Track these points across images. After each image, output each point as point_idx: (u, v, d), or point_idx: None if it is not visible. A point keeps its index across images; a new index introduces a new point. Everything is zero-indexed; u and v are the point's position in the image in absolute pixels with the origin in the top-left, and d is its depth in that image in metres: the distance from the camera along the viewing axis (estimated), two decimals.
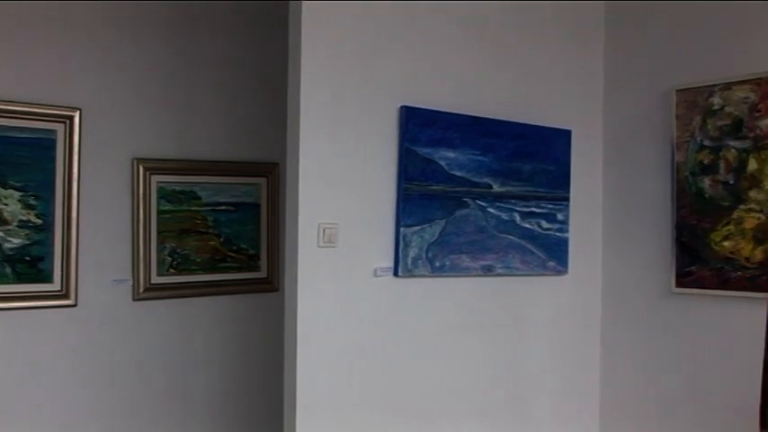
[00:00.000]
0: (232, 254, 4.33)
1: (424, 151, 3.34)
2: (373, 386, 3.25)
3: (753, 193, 3.45)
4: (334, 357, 3.14)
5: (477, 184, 3.50)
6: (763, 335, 2.54)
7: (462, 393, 3.54)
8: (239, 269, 4.37)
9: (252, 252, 4.41)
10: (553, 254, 3.79)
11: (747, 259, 3.46)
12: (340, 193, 3.16)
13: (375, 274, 3.25)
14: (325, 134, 3.12)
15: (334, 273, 3.14)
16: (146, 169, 4.02)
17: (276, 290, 4.39)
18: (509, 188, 3.62)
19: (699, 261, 3.63)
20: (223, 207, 4.30)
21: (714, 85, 3.58)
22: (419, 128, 3.32)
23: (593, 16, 4.06)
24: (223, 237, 4.30)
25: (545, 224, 3.75)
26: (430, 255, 3.35)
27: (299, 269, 3.06)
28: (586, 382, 4.01)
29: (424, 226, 3.34)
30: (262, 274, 4.45)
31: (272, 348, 4.10)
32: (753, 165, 3.46)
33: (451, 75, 3.50)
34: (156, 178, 4.06)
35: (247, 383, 4.36)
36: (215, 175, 4.25)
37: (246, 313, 4.38)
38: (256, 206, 4.43)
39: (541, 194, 3.74)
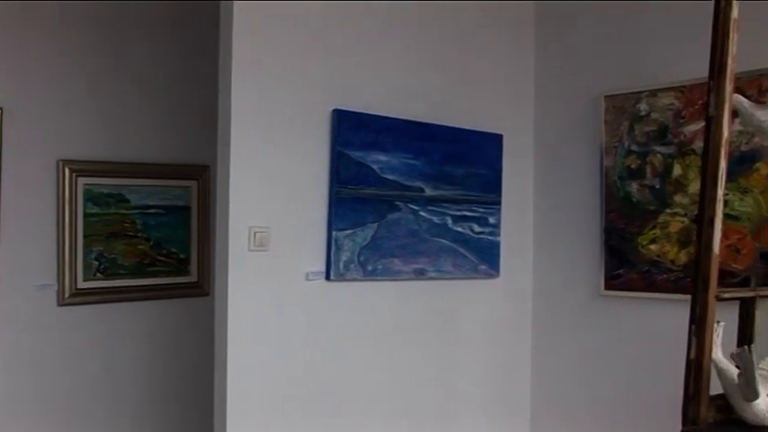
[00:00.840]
0: (161, 258, 4.30)
1: (356, 155, 3.38)
2: (305, 390, 3.28)
3: (677, 198, 3.59)
4: (264, 362, 3.16)
5: (409, 188, 3.57)
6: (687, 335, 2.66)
7: (394, 397, 3.60)
8: (169, 273, 4.34)
9: (182, 256, 4.39)
10: (485, 257, 3.88)
11: (672, 262, 3.60)
12: (271, 196, 3.18)
13: (307, 278, 3.28)
14: (256, 136, 3.14)
15: (266, 277, 3.16)
16: (72, 171, 3.97)
17: (207, 294, 4.37)
18: (441, 192, 3.69)
19: (627, 264, 3.75)
20: (152, 210, 4.27)
21: (641, 92, 3.72)
22: (351, 131, 3.37)
23: (524, 22, 4.16)
24: (152, 240, 4.27)
25: (477, 228, 3.83)
26: (362, 258, 3.40)
27: (230, 273, 3.07)
28: (518, 384, 4.11)
29: (357, 230, 3.38)
30: (192, 278, 4.43)
31: (203, 354, 4.08)
32: (677, 170, 3.60)
33: (385, 78, 3.56)
34: (82, 180, 4.01)
35: (177, 390, 4.34)
36: (144, 178, 4.22)
37: (176, 318, 4.35)
38: (187, 209, 4.41)
39: (473, 198, 3.82)
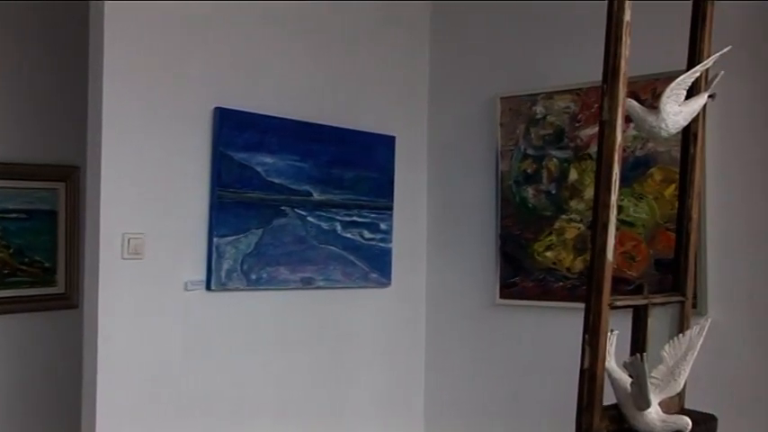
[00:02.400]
0: (24, 267, 4.15)
1: (239, 156, 3.35)
2: (182, 407, 3.23)
3: (573, 203, 3.71)
4: (139, 378, 3.09)
5: (296, 192, 3.56)
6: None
7: (281, 410, 3.58)
8: (32, 284, 4.19)
9: (47, 265, 4.24)
10: (376, 265, 3.91)
11: (568, 269, 3.71)
12: (147, 200, 3.12)
13: (186, 288, 3.23)
14: (130, 136, 3.07)
15: (140, 287, 3.10)
16: None
17: (75, 306, 4.23)
18: (330, 196, 3.70)
19: (522, 271, 3.85)
20: (13, 214, 4.11)
21: (537, 94, 3.82)
22: (234, 131, 3.34)
23: (419, 21, 4.22)
24: (13, 248, 4.11)
25: (368, 234, 3.86)
26: (245, 267, 3.37)
27: (101, 283, 2.99)
28: (411, 396, 4.15)
29: (240, 236, 3.35)
30: (59, 289, 4.29)
31: (70, 372, 3.96)
32: (573, 175, 3.71)
33: (271, 76, 3.55)
34: None
35: (42, 413, 4.19)
36: (4, 179, 4.07)
37: (41, 333, 4.20)
38: (53, 214, 4.27)
39: (364, 203, 3.84)
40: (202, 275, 3.27)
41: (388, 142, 3.96)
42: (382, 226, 3.93)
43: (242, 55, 3.44)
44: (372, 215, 3.88)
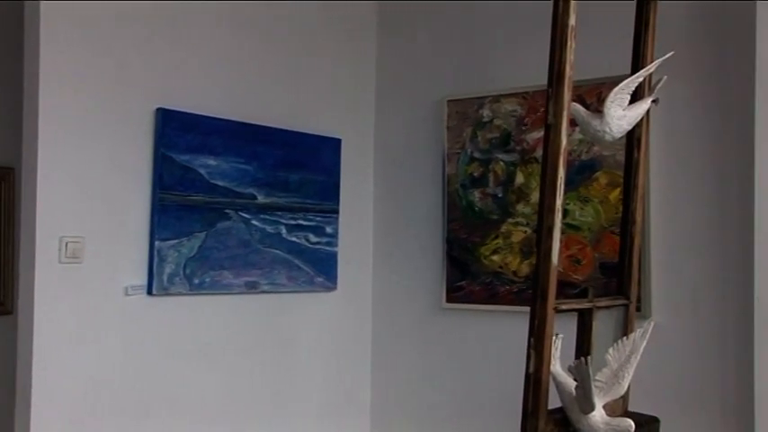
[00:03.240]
0: None
1: (182, 158, 3.33)
2: (123, 415, 3.19)
3: (520, 207, 3.75)
4: (76, 386, 3.05)
5: (240, 195, 3.55)
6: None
7: (225, 416, 3.55)
8: None
9: None
10: (322, 269, 3.90)
11: (515, 273, 3.75)
12: (86, 202, 3.09)
13: (126, 293, 3.19)
14: (68, 137, 3.04)
15: (79, 292, 3.06)
16: None
17: (9, 312, 4.17)
18: (275, 199, 3.69)
19: (469, 275, 3.88)
20: None
21: (484, 97, 3.86)
22: (177, 132, 3.31)
23: (366, 23, 4.24)
24: None
25: (313, 238, 3.86)
26: (188, 271, 3.35)
27: (37, 289, 2.95)
28: (357, 400, 4.16)
29: (182, 239, 3.33)
30: None
31: (4, 379, 3.89)
32: (520, 178, 3.76)
33: (215, 77, 3.53)
34: None
35: None
36: None
37: None
38: None
39: (309, 206, 3.84)
40: (143, 280, 3.24)
41: (334, 145, 3.97)
42: (328, 229, 3.93)
43: (186, 55, 3.42)
44: (318, 218, 3.88)
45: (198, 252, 3.39)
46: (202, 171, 3.40)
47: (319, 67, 3.98)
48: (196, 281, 3.39)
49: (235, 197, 3.53)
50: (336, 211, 3.97)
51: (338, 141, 3.99)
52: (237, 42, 3.62)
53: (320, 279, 3.91)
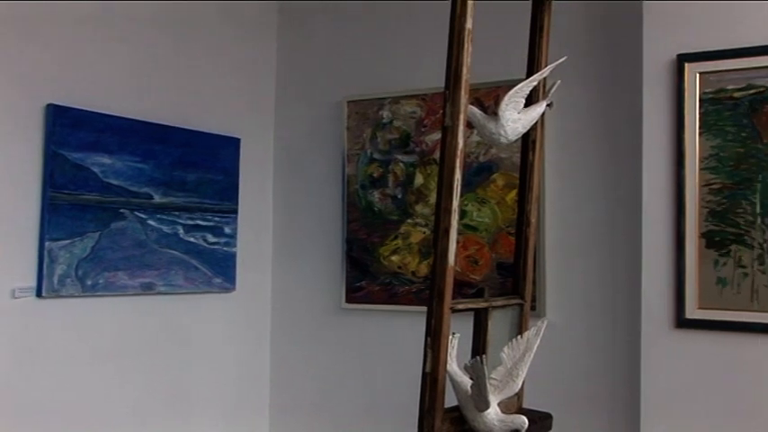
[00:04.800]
0: None
1: (74, 156, 3.24)
2: (12, 420, 3.08)
3: (419, 208, 3.78)
4: None
5: (136, 194, 3.47)
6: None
7: (122, 419, 3.47)
8: None
9: None
10: (220, 270, 3.86)
11: (414, 273, 3.78)
12: None
13: (13, 296, 3.09)
14: None
15: None
16: None
17: None
18: (172, 199, 3.62)
19: (368, 276, 3.89)
20: None
21: (384, 98, 3.87)
22: (69, 130, 3.22)
23: (265, 22, 4.21)
24: None
25: (211, 238, 3.81)
26: (81, 272, 3.26)
27: None
28: (256, 400, 4.12)
29: (75, 240, 3.24)
30: None
31: None
32: (419, 179, 3.78)
33: (109, 74, 3.44)
34: None
35: None
36: None
37: None
38: None
39: (208, 206, 3.79)
40: (32, 281, 3.14)
41: (233, 144, 3.92)
42: (226, 230, 3.89)
43: (79, 51, 3.33)
44: (216, 219, 3.83)
45: (91, 252, 3.30)
46: (96, 169, 3.32)
47: (219, 65, 3.93)
48: (89, 282, 3.30)
49: (130, 196, 3.45)
50: (235, 212, 3.93)
51: (237, 141, 3.94)
52: (134, 39, 3.54)
53: (218, 280, 3.86)
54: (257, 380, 4.13)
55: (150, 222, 3.54)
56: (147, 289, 3.54)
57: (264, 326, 4.17)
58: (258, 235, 4.12)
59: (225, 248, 3.88)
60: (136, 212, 3.47)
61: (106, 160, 3.36)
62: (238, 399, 4.03)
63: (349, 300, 3.94)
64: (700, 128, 2.97)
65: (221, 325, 3.93)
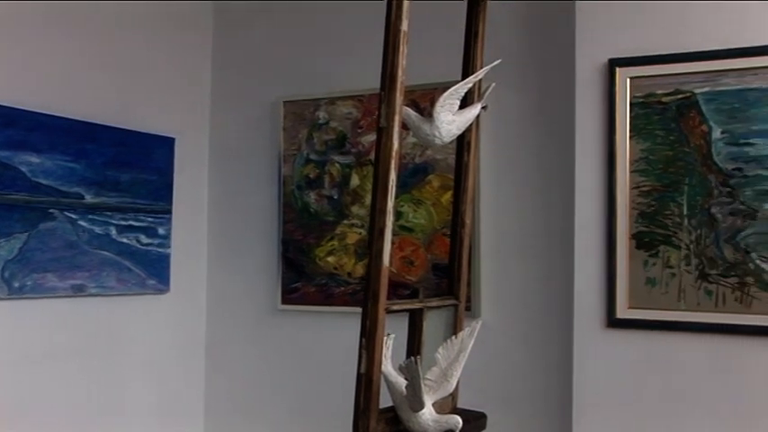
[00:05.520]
0: None
1: (1, 155, 3.16)
2: None
3: (355, 209, 3.78)
4: None
5: (66, 194, 3.40)
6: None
7: (52, 424, 3.39)
8: None
9: None
10: (153, 271, 3.80)
11: (350, 274, 3.78)
12: None
13: None
14: None
15: None
16: None
17: None
18: (104, 199, 3.56)
19: (304, 277, 3.87)
20: None
21: (320, 99, 3.87)
22: None
23: (201, 21, 4.16)
24: None
25: (145, 239, 3.75)
26: (7, 274, 3.18)
27: None
28: (190, 402, 4.08)
29: (1, 241, 3.16)
30: None
31: None
32: (355, 180, 3.78)
33: (39, 71, 3.37)
34: None
35: None
36: None
37: None
38: None
39: (141, 206, 3.73)
40: None
41: (167, 144, 3.87)
42: (160, 230, 3.83)
43: (8, 48, 3.25)
44: (150, 219, 3.78)
45: (19, 254, 3.22)
46: (24, 169, 3.24)
47: (153, 64, 3.88)
48: (16, 284, 3.22)
49: (60, 196, 3.37)
50: (169, 212, 3.87)
51: (172, 140, 3.89)
52: (65, 36, 3.47)
53: (152, 281, 3.80)
54: (192, 382, 4.08)
55: (81, 223, 3.47)
56: (78, 291, 3.47)
57: (199, 327, 4.12)
58: (193, 236, 4.07)
59: (159, 249, 3.83)
60: (66, 213, 3.40)
61: (35, 159, 3.28)
62: (173, 401, 3.97)
63: (285, 301, 3.92)
64: (630, 131, 3.03)
65: (155, 327, 3.88)
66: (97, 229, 3.54)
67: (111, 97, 3.66)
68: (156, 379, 3.89)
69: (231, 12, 4.17)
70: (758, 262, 2.84)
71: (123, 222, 3.65)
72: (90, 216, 3.50)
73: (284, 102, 3.94)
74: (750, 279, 2.85)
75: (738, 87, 2.89)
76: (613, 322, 3.03)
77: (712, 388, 2.89)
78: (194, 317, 4.10)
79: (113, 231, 3.60)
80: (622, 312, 3.02)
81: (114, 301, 3.66)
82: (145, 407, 3.83)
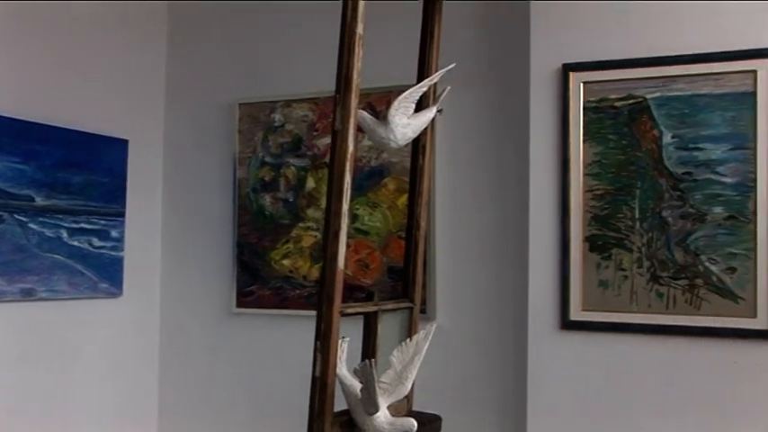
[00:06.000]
0: None
1: None
2: None
3: (310, 212, 3.77)
4: None
5: (15, 197, 3.34)
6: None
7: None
8: None
9: None
10: (106, 275, 3.75)
11: (305, 277, 3.77)
12: None
13: None
14: None
15: None
16: None
17: None
18: (55, 201, 3.50)
19: (259, 280, 3.85)
20: None
21: (276, 102, 3.85)
22: None
23: (155, 22, 4.12)
24: None
25: (97, 242, 3.70)
26: None
27: None
28: (144, 406, 4.03)
29: None
30: None
31: None
32: (311, 183, 3.77)
33: None
34: None
35: None
36: None
37: None
38: None
39: (93, 209, 3.68)
40: None
41: (120, 146, 3.82)
42: (113, 233, 3.78)
43: None
44: (102, 222, 3.73)
45: None
46: None
47: (106, 65, 3.82)
48: None
49: (9, 198, 3.31)
50: (122, 215, 3.83)
51: (125, 142, 3.84)
52: (15, 36, 3.41)
53: (104, 285, 3.75)
54: (145, 386, 4.03)
55: (31, 226, 3.41)
56: (28, 295, 3.40)
57: (153, 331, 4.08)
58: (146, 239, 4.02)
59: (111, 252, 3.78)
60: (15, 215, 3.34)
61: None
62: (126, 406, 3.92)
63: (240, 304, 3.90)
64: (584, 135, 3.06)
65: (108, 331, 3.82)
66: (48, 232, 3.48)
67: (63, 98, 3.61)
68: (110, 384, 3.84)
69: (186, 13, 4.13)
70: (707, 264, 2.89)
71: (75, 225, 3.59)
72: (40, 219, 3.44)
73: (239, 104, 3.92)
74: (699, 281, 2.89)
75: (688, 93, 2.93)
76: (567, 324, 3.06)
77: (663, 389, 2.93)
78: (148, 321, 4.05)
79: (65, 234, 3.55)
80: (576, 314, 3.05)
81: (65, 306, 3.60)
82: (96, 413, 3.77)
